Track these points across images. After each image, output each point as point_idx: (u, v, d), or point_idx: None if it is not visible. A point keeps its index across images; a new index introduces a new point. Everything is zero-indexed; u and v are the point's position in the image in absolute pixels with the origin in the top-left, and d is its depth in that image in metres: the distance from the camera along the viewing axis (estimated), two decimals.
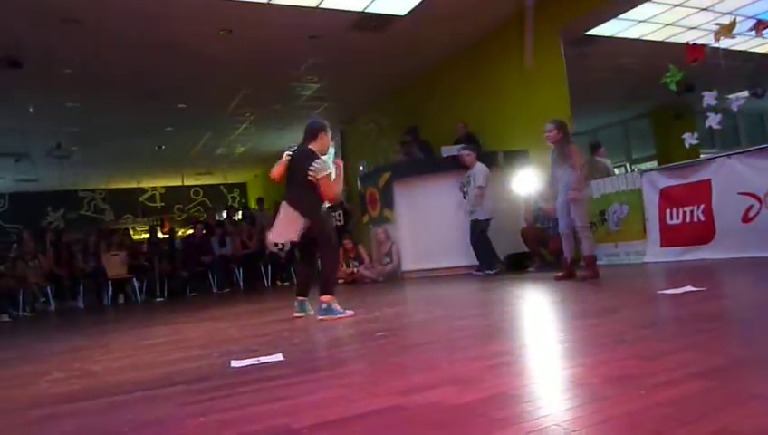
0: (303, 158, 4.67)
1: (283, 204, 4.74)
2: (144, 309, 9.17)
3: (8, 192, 17.27)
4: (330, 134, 4.86)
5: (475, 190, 7.54)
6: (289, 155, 4.82)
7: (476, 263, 7.66)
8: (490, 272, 7.41)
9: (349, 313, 4.52)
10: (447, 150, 8.43)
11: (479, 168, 7.66)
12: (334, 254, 4.97)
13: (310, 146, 4.74)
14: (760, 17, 6.07)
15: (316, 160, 4.60)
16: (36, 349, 5.00)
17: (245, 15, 7.61)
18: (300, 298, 4.90)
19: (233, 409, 2.05)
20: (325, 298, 4.52)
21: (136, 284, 11.19)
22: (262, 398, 2.16)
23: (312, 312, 4.83)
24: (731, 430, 1.36)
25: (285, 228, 4.66)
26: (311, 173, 4.55)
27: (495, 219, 7.70)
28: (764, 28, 5.96)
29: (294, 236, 4.63)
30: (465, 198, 7.75)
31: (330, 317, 4.45)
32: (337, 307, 4.53)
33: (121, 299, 11.15)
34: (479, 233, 7.57)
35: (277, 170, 4.82)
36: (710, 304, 3.36)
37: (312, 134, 4.78)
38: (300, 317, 4.81)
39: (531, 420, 1.56)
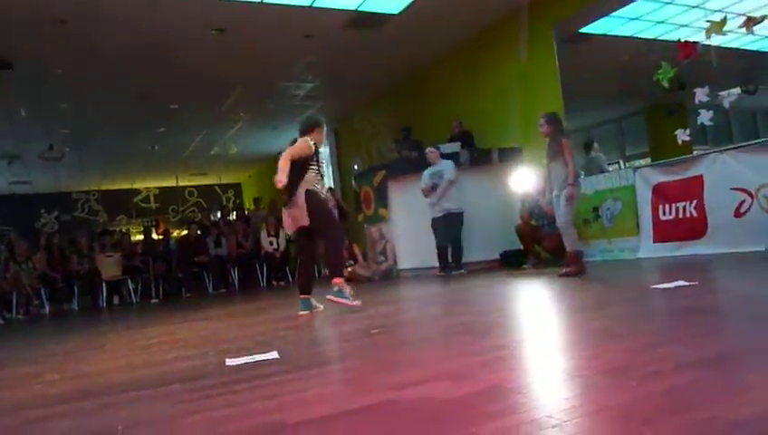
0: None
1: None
2: (139, 310, 9.14)
3: (1, 194, 17.17)
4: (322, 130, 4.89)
5: (444, 184, 7.60)
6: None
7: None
8: (462, 272, 7.45)
9: (357, 302, 4.58)
10: (443, 149, 8.43)
11: (447, 163, 7.74)
12: (339, 233, 4.97)
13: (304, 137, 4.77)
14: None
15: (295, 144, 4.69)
16: (29, 351, 4.99)
17: (239, 15, 7.60)
18: (303, 296, 4.89)
19: (227, 406, 2.06)
20: (338, 281, 4.64)
21: (131, 285, 11.16)
22: (256, 395, 2.16)
23: (320, 307, 4.88)
24: (720, 419, 1.37)
25: (298, 217, 4.65)
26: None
27: (491, 216, 7.76)
28: (755, 25, 5.98)
29: (306, 221, 4.61)
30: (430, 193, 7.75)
31: (339, 300, 4.58)
32: (347, 293, 4.61)
33: (116, 300, 11.13)
34: (460, 228, 7.64)
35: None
36: (701, 298, 3.38)
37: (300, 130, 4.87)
38: (304, 315, 4.78)
39: (523, 411, 1.58)
